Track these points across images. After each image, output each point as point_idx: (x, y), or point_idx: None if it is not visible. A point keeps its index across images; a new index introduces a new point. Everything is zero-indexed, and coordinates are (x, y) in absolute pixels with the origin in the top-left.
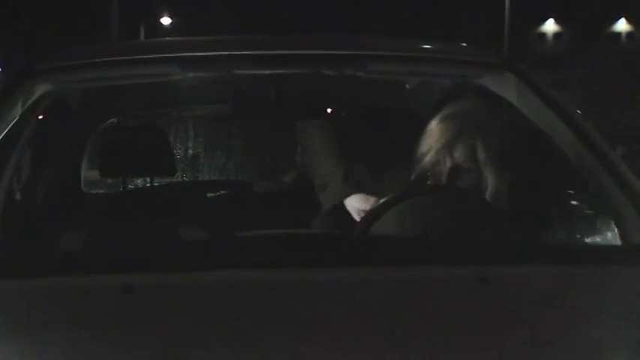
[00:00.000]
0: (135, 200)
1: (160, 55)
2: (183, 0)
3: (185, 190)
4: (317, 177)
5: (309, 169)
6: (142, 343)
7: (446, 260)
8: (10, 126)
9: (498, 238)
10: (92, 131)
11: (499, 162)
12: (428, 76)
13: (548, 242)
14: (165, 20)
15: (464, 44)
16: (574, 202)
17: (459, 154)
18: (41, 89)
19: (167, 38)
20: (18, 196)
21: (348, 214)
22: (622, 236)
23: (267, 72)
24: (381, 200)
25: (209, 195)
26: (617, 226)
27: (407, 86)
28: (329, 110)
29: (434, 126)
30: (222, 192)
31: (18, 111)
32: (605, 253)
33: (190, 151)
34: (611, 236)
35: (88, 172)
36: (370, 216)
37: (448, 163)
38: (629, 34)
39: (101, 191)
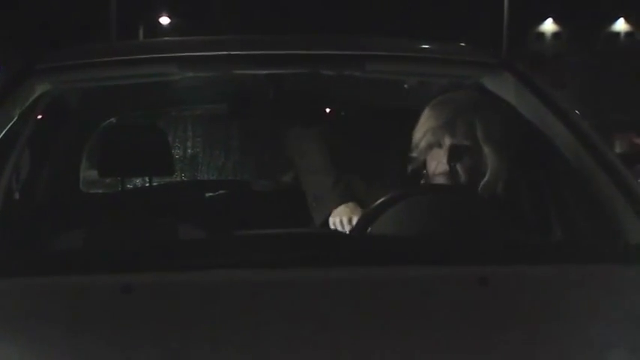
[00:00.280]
0: (133, 200)
1: (158, 55)
2: (182, 0)
3: (184, 189)
4: (308, 191)
5: (301, 183)
6: (142, 343)
7: (444, 260)
8: (9, 126)
9: (498, 237)
10: (91, 131)
11: (499, 141)
12: (426, 76)
13: (547, 242)
14: (164, 20)
15: (462, 44)
16: (573, 202)
17: (458, 131)
18: (40, 89)
19: (166, 38)
20: (17, 196)
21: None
22: (621, 236)
23: (266, 72)
24: (381, 199)
25: (208, 195)
26: (615, 226)
27: (405, 86)
28: (328, 110)
29: (429, 109)
30: (221, 192)
31: (17, 111)
32: (604, 252)
33: (189, 151)
34: (610, 236)
35: (86, 172)
36: (369, 215)
37: (447, 142)
38: (627, 34)
39: (100, 191)
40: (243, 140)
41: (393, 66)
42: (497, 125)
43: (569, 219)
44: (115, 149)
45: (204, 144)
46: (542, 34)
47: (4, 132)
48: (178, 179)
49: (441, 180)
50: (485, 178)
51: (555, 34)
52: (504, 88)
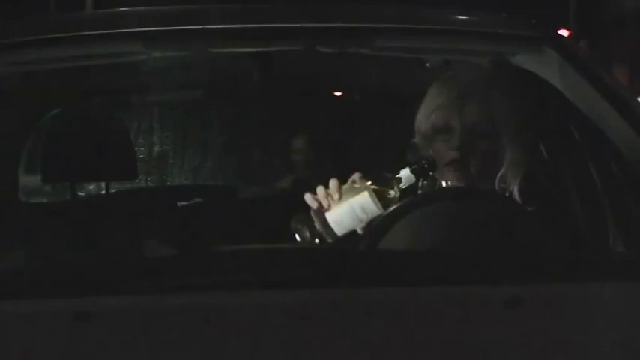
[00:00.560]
0: (87, 211)
1: (118, 31)
2: None
3: (150, 197)
4: None
5: None
6: None
7: (466, 279)
8: None
9: (532, 250)
10: (32, 125)
11: (519, 123)
12: (447, 54)
13: (600, 256)
14: None
15: (495, 14)
16: (633, 208)
17: (471, 112)
18: None
19: (126, 8)
20: None
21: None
22: None
23: (250, 50)
24: (391, 208)
25: (181, 204)
26: None
27: (427, 65)
28: (338, 93)
29: (436, 86)
30: (197, 200)
31: None
32: None
33: (156, 149)
34: None
35: (27, 177)
36: (379, 227)
37: (457, 125)
38: None
39: (44, 200)
40: (224, 135)
41: (408, 41)
42: (518, 106)
43: (630, 228)
44: (63, 147)
45: (175, 140)
46: None
47: None
48: (143, 184)
49: (449, 171)
50: (502, 170)
51: None
52: (545, 67)
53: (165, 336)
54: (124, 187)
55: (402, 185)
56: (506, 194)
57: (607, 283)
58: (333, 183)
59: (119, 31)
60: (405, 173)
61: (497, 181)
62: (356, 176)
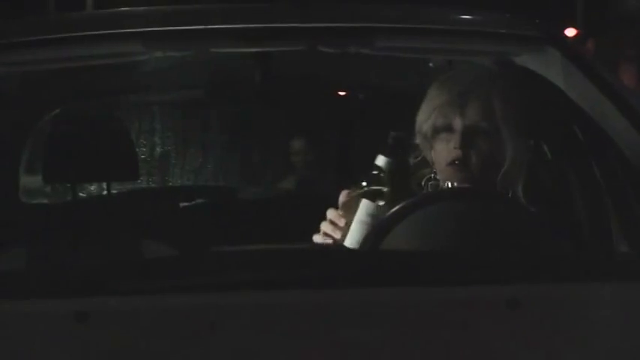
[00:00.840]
0: (87, 211)
1: (118, 31)
2: None
3: (151, 198)
4: None
5: None
6: None
7: (467, 280)
8: None
9: (534, 251)
10: (33, 125)
11: (521, 121)
12: (448, 54)
13: (600, 256)
14: None
15: (498, 13)
16: (636, 208)
17: (472, 110)
18: None
19: (127, 8)
20: None
21: None
22: None
23: (252, 50)
24: (394, 208)
25: (182, 205)
26: None
27: (430, 64)
28: (339, 94)
29: (436, 86)
30: (198, 201)
31: None
32: None
33: (158, 149)
34: None
35: (28, 178)
36: (380, 228)
37: (459, 124)
38: None
39: (45, 201)
40: (225, 135)
41: (410, 41)
42: (519, 104)
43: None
44: (64, 148)
45: (176, 140)
46: None
47: None
48: (144, 185)
49: (451, 170)
50: (504, 168)
51: None
52: (548, 66)
53: (166, 337)
54: (125, 188)
55: (383, 172)
56: (508, 194)
57: (610, 283)
58: (330, 213)
59: (120, 31)
60: (380, 160)
61: (498, 180)
62: (344, 194)
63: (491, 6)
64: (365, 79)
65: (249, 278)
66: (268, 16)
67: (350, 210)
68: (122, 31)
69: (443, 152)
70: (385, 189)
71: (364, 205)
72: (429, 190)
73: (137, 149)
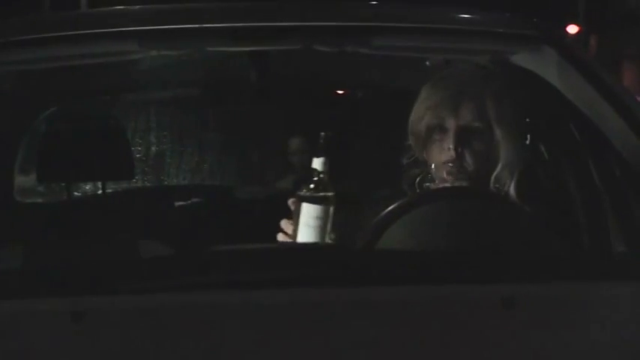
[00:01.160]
0: (83, 211)
1: (113, 30)
2: None
3: (147, 197)
4: None
5: None
6: None
7: (463, 279)
8: None
9: (530, 250)
10: (28, 124)
11: (515, 121)
12: (444, 53)
13: (597, 256)
14: None
15: (495, 12)
16: (633, 208)
17: (465, 110)
18: None
19: (121, 7)
20: None
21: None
22: None
23: (247, 49)
24: (390, 207)
25: (178, 204)
26: None
27: (427, 63)
28: (336, 93)
29: (429, 86)
30: (194, 200)
31: None
32: None
33: (153, 148)
34: None
35: (22, 176)
36: (377, 227)
37: (452, 124)
38: None
39: (40, 200)
40: (222, 134)
41: (406, 40)
42: (513, 103)
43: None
44: (58, 147)
45: (172, 139)
46: None
47: None
48: (140, 184)
49: (445, 171)
50: (498, 168)
51: None
52: (544, 66)
53: (161, 336)
54: (120, 187)
55: (321, 174)
56: (502, 193)
57: (607, 282)
58: (283, 223)
59: (114, 30)
60: (316, 162)
61: (492, 180)
62: (290, 201)
63: (492, 5)
64: (362, 77)
65: (245, 277)
66: (264, 15)
67: (295, 217)
68: (117, 30)
69: (436, 153)
70: (330, 194)
71: (305, 208)
72: (422, 190)
73: (133, 148)
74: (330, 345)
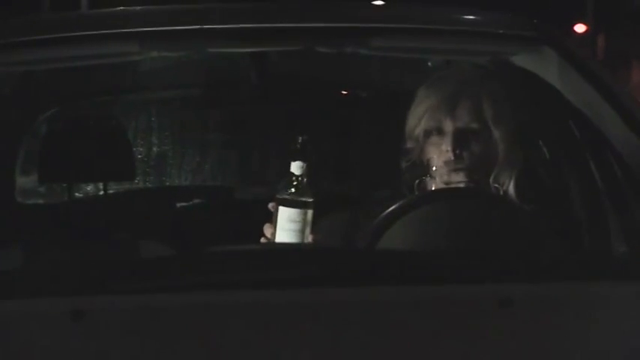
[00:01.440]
0: (84, 212)
1: (114, 31)
2: None
3: (148, 198)
4: None
5: None
6: None
7: (462, 279)
8: None
9: (530, 250)
10: (29, 125)
11: (512, 121)
12: (442, 54)
13: (598, 256)
14: None
15: (495, 13)
16: (634, 208)
17: (462, 111)
18: None
19: (122, 8)
20: None
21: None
22: None
23: (248, 50)
24: (390, 208)
25: (179, 205)
26: None
27: (429, 64)
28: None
29: (425, 88)
30: (195, 201)
31: None
32: None
33: (154, 149)
34: None
35: (23, 177)
36: (377, 228)
37: (449, 126)
38: None
39: (41, 201)
40: (223, 135)
41: (405, 41)
42: (510, 103)
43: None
44: (60, 148)
45: (173, 140)
46: None
47: None
48: (141, 185)
49: (443, 172)
50: (497, 168)
51: None
52: (545, 66)
53: (161, 336)
54: (121, 188)
55: (299, 177)
56: (501, 194)
57: (607, 282)
58: (265, 227)
59: (115, 31)
60: (294, 167)
61: (491, 180)
62: (271, 204)
63: (496, 4)
64: (363, 78)
65: (245, 277)
66: (265, 16)
67: (276, 220)
68: (118, 31)
69: (435, 155)
70: (308, 199)
71: (282, 212)
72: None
73: (134, 149)
74: (329, 345)
